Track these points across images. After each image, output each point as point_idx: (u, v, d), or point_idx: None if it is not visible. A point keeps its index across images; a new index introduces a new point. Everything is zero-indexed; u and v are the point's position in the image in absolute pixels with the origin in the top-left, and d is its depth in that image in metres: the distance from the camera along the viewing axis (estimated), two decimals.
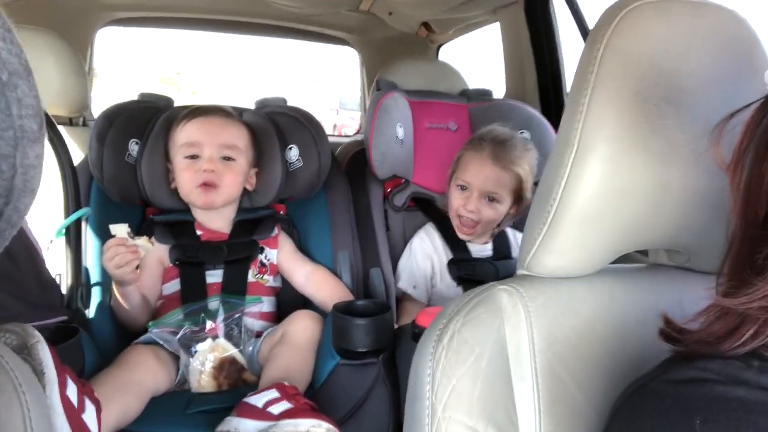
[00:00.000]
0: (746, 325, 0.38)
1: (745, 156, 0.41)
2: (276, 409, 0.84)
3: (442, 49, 2.40)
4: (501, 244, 1.41)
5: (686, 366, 0.40)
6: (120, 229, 1.07)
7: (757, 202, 0.40)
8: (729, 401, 0.36)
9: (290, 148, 1.33)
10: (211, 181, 1.19)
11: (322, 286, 1.28)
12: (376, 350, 0.99)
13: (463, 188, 1.33)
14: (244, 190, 1.29)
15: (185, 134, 1.21)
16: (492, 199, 1.31)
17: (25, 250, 0.81)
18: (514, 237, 1.44)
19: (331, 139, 1.42)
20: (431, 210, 1.47)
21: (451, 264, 1.36)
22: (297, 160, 1.33)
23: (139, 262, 1.08)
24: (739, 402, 0.35)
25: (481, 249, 1.40)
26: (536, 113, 1.53)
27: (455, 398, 0.55)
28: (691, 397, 0.37)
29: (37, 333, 0.66)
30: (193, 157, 1.20)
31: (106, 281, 1.17)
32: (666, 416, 0.38)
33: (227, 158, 1.21)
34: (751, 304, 0.38)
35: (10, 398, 0.43)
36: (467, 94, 1.64)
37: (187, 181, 1.20)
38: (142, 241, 1.09)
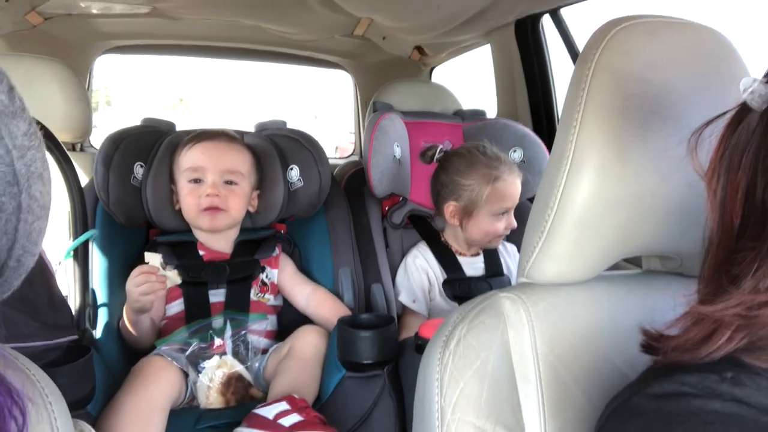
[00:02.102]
0: (721, 330, 0.39)
1: (720, 164, 0.42)
2: (287, 422, 0.86)
3: (434, 71, 2.46)
4: (492, 258, 1.45)
5: (665, 380, 0.41)
6: (154, 258, 1.11)
7: (733, 211, 0.40)
8: (706, 414, 0.37)
9: (291, 169, 1.36)
10: (215, 205, 1.21)
11: (322, 306, 1.30)
12: (381, 362, 1.01)
13: (502, 213, 1.36)
14: (247, 211, 1.32)
15: (189, 159, 1.24)
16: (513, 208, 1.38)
17: (38, 270, 0.82)
18: (505, 250, 1.48)
19: (329, 161, 1.45)
20: (425, 228, 1.50)
21: (446, 284, 1.39)
22: (298, 180, 1.36)
23: (164, 292, 1.12)
24: (716, 415, 0.36)
25: (472, 263, 1.43)
26: (528, 131, 1.57)
27: (464, 400, 0.57)
28: (670, 411, 0.38)
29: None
30: (197, 181, 1.23)
31: (113, 302, 1.19)
32: (648, 431, 0.39)
33: (230, 182, 1.24)
34: (726, 311, 0.38)
35: (40, 409, 0.45)
36: (461, 114, 1.69)
37: (191, 205, 1.23)
38: (172, 274, 1.13)
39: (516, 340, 0.60)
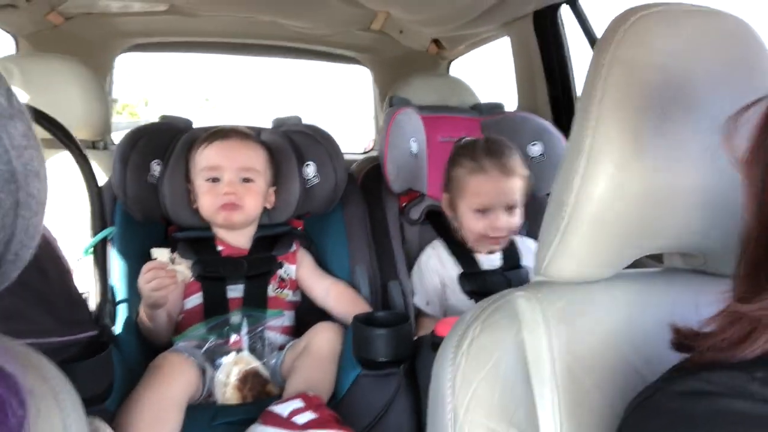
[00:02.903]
0: (760, 330, 0.38)
1: (759, 152, 0.39)
2: (301, 419, 0.85)
3: (452, 64, 2.43)
4: (509, 252, 1.41)
5: (690, 377, 0.40)
6: (162, 253, 1.11)
7: None
8: (731, 415, 0.35)
9: (307, 165, 1.36)
10: (232, 202, 1.23)
11: (341, 300, 1.30)
12: (396, 360, 1.00)
13: (483, 211, 1.31)
14: (264, 207, 1.32)
15: (205, 158, 1.25)
16: (510, 207, 1.31)
17: (55, 267, 0.83)
18: (522, 243, 1.43)
19: (345, 156, 1.44)
20: (440, 224, 1.47)
21: (462, 278, 1.37)
22: (314, 176, 1.36)
23: (176, 288, 1.11)
24: (741, 415, 0.35)
25: (490, 259, 1.40)
26: (548, 124, 1.54)
27: (476, 402, 0.56)
28: (694, 410, 0.37)
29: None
30: (214, 180, 1.24)
31: (131, 298, 1.20)
32: (670, 430, 0.38)
33: (246, 180, 1.25)
34: (765, 311, 0.37)
35: (49, 405, 0.45)
36: (479, 108, 1.67)
37: (209, 203, 1.24)
38: (182, 267, 1.12)
39: (531, 340, 0.58)
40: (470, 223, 1.33)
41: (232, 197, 1.22)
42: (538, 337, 0.58)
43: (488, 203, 1.29)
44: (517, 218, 1.32)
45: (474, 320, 0.61)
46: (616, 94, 0.54)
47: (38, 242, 0.39)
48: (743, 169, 0.41)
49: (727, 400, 0.36)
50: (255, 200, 1.26)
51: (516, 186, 1.30)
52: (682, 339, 0.44)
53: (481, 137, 1.45)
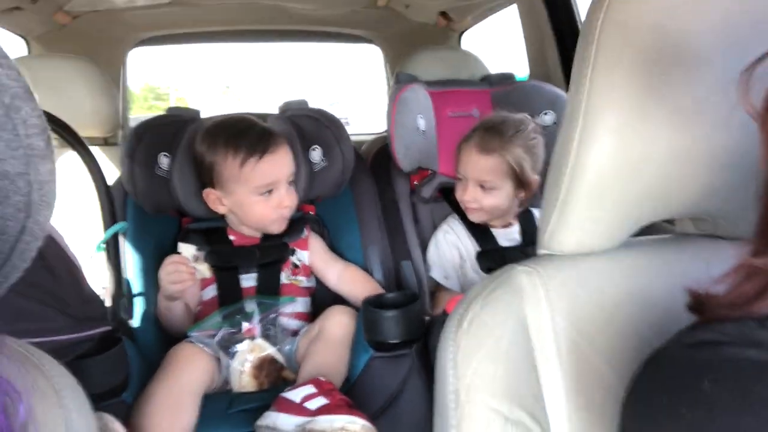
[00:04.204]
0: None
1: None
2: (313, 405, 0.86)
3: (464, 36, 2.38)
4: (528, 227, 1.39)
5: (701, 329, 0.39)
6: (187, 250, 1.14)
7: None
8: (740, 361, 0.35)
9: (314, 149, 1.35)
10: (290, 213, 1.25)
11: (354, 283, 1.30)
12: (408, 341, 1.00)
13: (461, 178, 1.33)
14: None
15: (260, 176, 1.19)
16: (486, 186, 1.29)
17: (63, 265, 0.84)
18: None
19: (356, 138, 1.43)
20: (454, 200, 1.46)
21: (480, 256, 1.35)
22: (321, 160, 1.34)
23: (193, 284, 1.13)
24: (750, 362, 0.34)
25: (507, 234, 1.38)
26: (561, 92, 1.50)
27: (478, 381, 0.55)
28: (702, 359, 0.37)
29: (119, 427, 0.69)
30: (267, 192, 1.22)
31: (147, 291, 1.22)
32: (677, 379, 0.37)
33: (290, 182, 1.26)
34: None
35: (49, 402, 0.46)
36: (489, 80, 1.62)
37: (262, 215, 1.23)
38: (202, 267, 1.16)
39: (533, 316, 0.57)
40: (456, 192, 1.37)
41: (289, 209, 1.24)
42: (540, 312, 0.56)
43: (462, 171, 1.32)
44: (496, 198, 1.30)
45: (476, 297, 0.60)
46: (611, 57, 0.51)
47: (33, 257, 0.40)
48: (760, 120, 0.40)
49: (736, 348, 0.36)
50: (295, 197, 1.27)
51: (493, 166, 1.26)
52: (698, 300, 0.44)
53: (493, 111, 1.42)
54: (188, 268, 1.12)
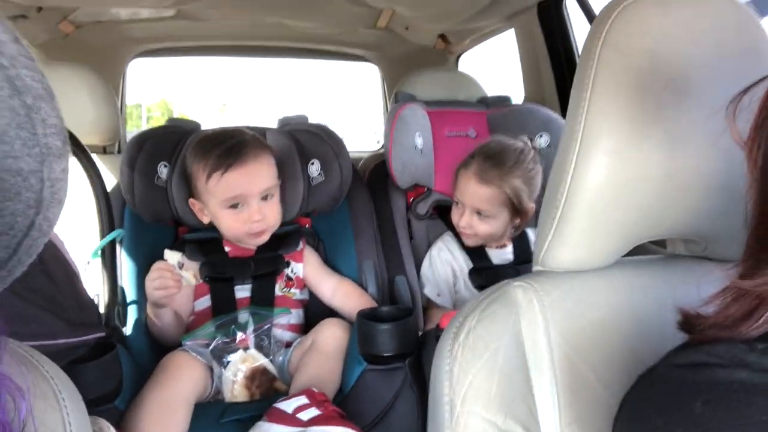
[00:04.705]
0: (763, 307, 0.38)
1: (761, 131, 0.40)
2: (305, 416, 0.86)
3: (462, 59, 2.42)
4: (522, 247, 1.41)
5: (692, 351, 0.40)
6: (173, 257, 1.13)
7: None
8: (731, 384, 0.36)
9: (312, 163, 1.36)
10: (261, 230, 1.22)
11: (348, 298, 1.30)
12: (401, 354, 1.00)
13: (458, 203, 1.34)
14: None
15: (224, 190, 1.18)
16: (483, 214, 1.30)
17: (62, 270, 0.85)
18: (534, 234, 1.43)
19: (352, 154, 1.44)
20: (449, 217, 1.48)
21: (472, 273, 1.37)
22: (319, 174, 1.36)
23: (178, 292, 1.12)
24: (741, 384, 0.35)
25: (500, 254, 1.40)
26: (555, 115, 1.53)
27: (473, 393, 0.56)
28: (694, 380, 0.38)
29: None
30: (235, 205, 1.20)
31: (141, 299, 1.22)
32: (670, 400, 0.38)
33: (266, 196, 1.23)
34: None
35: (50, 405, 0.46)
36: (486, 101, 1.66)
37: (233, 228, 1.22)
38: (188, 274, 1.14)
39: (528, 330, 0.58)
40: (452, 214, 1.37)
41: (260, 224, 1.21)
42: (535, 327, 0.58)
43: (459, 198, 1.32)
44: (491, 226, 1.31)
45: (471, 311, 0.61)
46: (608, 82, 0.53)
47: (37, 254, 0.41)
48: (746, 149, 0.41)
49: (727, 370, 0.37)
50: (276, 211, 1.26)
51: (491, 197, 1.27)
52: (688, 320, 0.45)
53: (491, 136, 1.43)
54: (173, 275, 1.11)
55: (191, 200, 1.25)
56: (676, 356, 0.41)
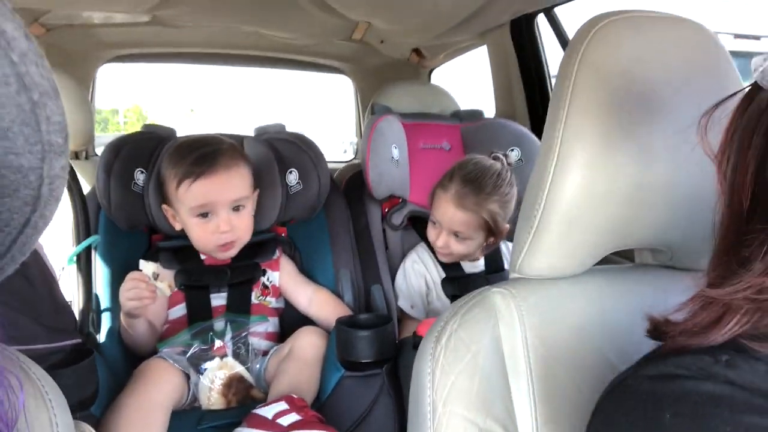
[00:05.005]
0: (730, 315, 0.39)
1: (731, 145, 0.41)
2: (285, 421, 0.87)
3: (434, 73, 2.47)
4: (493, 257, 1.44)
5: (660, 362, 0.42)
6: (148, 267, 1.12)
7: (742, 192, 0.40)
8: (698, 395, 0.37)
9: (290, 172, 1.37)
10: (229, 241, 1.20)
11: (324, 307, 1.31)
12: (379, 361, 1.02)
13: (435, 223, 1.35)
14: None
15: (193, 198, 1.17)
16: (461, 237, 1.32)
17: (40, 274, 0.84)
18: (507, 248, 1.47)
19: (329, 164, 1.46)
20: (425, 229, 1.50)
21: (445, 282, 1.39)
22: (297, 183, 1.37)
23: (152, 303, 1.11)
24: (707, 396, 0.37)
25: (473, 265, 1.43)
26: (526, 131, 1.58)
27: (455, 394, 0.58)
28: (663, 392, 0.39)
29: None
30: (203, 214, 1.19)
31: (115, 307, 1.20)
32: (640, 411, 0.39)
33: (237, 207, 1.22)
34: (735, 295, 0.38)
35: (40, 407, 0.46)
36: (459, 115, 1.70)
37: (202, 239, 1.21)
38: (162, 285, 1.13)
39: (507, 334, 0.60)
40: (428, 231, 1.38)
41: (228, 235, 1.19)
42: (513, 331, 0.60)
43: (437, 219, 1.33)
44: (467, 246, 1.33)
45: (452, 316, 0.63)
46: (584, 99, 0.57)
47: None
48: (716, 162, 0.43)
49: (693, 382, 0.38)
50: (248, 223, 1.24)
51: (468, 221, 1.29)
52: (657, 327, 0.46)
53: (471, 156, 1.41)
54: (148, 285, 1.10)
55: (164, 206, 1.24)
56: (647, 367, 0.42)
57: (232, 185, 1.19)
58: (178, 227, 1.25)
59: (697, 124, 0.44)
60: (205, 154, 1.18)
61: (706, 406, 0.36)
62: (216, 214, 1.18)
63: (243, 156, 1.27)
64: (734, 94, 0.43)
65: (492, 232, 1.31)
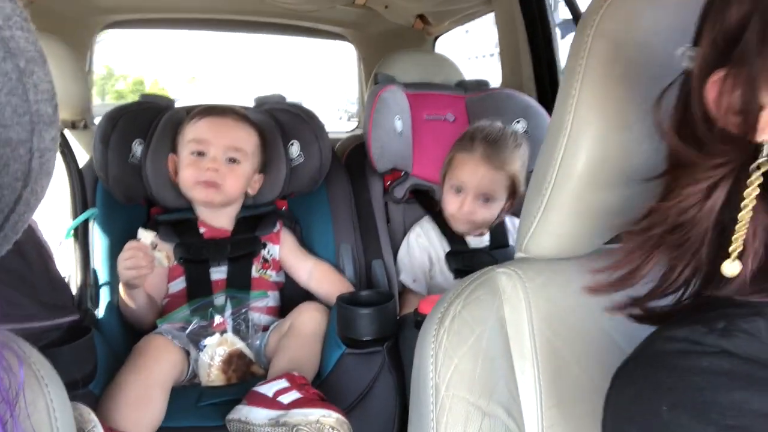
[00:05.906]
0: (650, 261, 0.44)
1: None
2: (286, 399, 0.86)
3: (438, 40, 2.41)
4: (498, 232, 1.42)
5: (657, 340, 0.42)
6: (147, 236, 1.11)
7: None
8: (694, 376, 0.37)
9: (292, 144, 1.35)
10: (212, 180, 1.20)
11: (324, 281, 1.30)
12: (380, 338, 1.01)
13: (458, 190, 1.33)
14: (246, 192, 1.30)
15: (194, 131, 1.23)
16: (487, 199, 1.31)
17: (35, 250, 0.82)
18: (512, 223, 1.44)
19: (330, 135, 1.43)
20: (428, 202, 1.48)
21: (449, 256, 1.38)
22: (299, 155, 1.34)
23: (150, 272, 1.10)
24: (704, 375, 0.36)
25: (478, 240, 1.41)
26: (533, 102, 1.54)
27: (458, 377, 0.57)
28: (658, 373, 0.39)
29: (94, 418, 0.68)
30: (200, 154, 1.22)
31: (114, 281, 1.19)
32: (642, 397, 0.39)
33: (232, 160, 1.23)
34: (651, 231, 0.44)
35: (35, 390, 0.45)
36: (464, 85, 1.65)
37: (189, 176, 1.22)
38: (161, 255, 1.13)
39: (512, 315, 0.59)
40: (445, 200, 1.36)
41: (213, 174, 1.20)
42: (518, 312, 0.59)
43: (465, 181, 1.31)
44: (491, 210, 1.32)
45: (456, 297, 0.61)
46: (598, 72, 0.54)
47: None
48: (666, 139, 0.45)
49: (688, 360, 0.38)
50: (237, 182, 1.24)
51: (498, 179, 1.29)
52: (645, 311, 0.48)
53: (485, 121, 1.41)
54: (146, 255, 1.09)
55: (171, 155, 1.27)
56: (643, 350, 0.43)
57: (234, 132, 1.24)
58: (176, 179, 1.26)
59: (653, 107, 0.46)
60: (220, 106, 1.30)
61: (705, 392, 0.36)
62: (209, 154, 1.21)
63: (255, 125, 1.31)
64: (674, 81, 0.45)
65: (513, 195, 1.32)
